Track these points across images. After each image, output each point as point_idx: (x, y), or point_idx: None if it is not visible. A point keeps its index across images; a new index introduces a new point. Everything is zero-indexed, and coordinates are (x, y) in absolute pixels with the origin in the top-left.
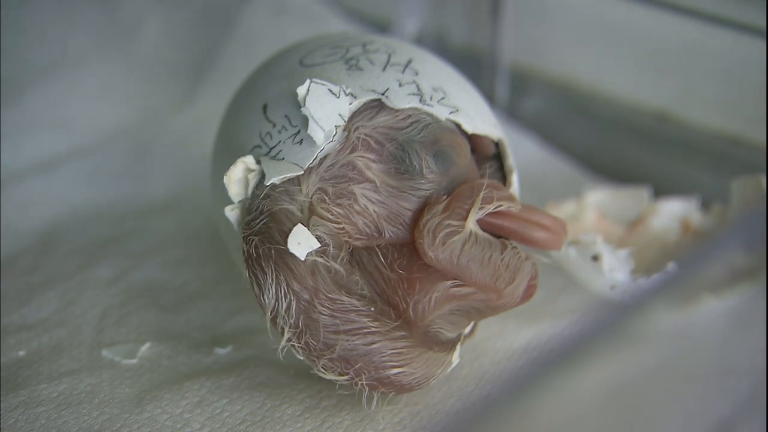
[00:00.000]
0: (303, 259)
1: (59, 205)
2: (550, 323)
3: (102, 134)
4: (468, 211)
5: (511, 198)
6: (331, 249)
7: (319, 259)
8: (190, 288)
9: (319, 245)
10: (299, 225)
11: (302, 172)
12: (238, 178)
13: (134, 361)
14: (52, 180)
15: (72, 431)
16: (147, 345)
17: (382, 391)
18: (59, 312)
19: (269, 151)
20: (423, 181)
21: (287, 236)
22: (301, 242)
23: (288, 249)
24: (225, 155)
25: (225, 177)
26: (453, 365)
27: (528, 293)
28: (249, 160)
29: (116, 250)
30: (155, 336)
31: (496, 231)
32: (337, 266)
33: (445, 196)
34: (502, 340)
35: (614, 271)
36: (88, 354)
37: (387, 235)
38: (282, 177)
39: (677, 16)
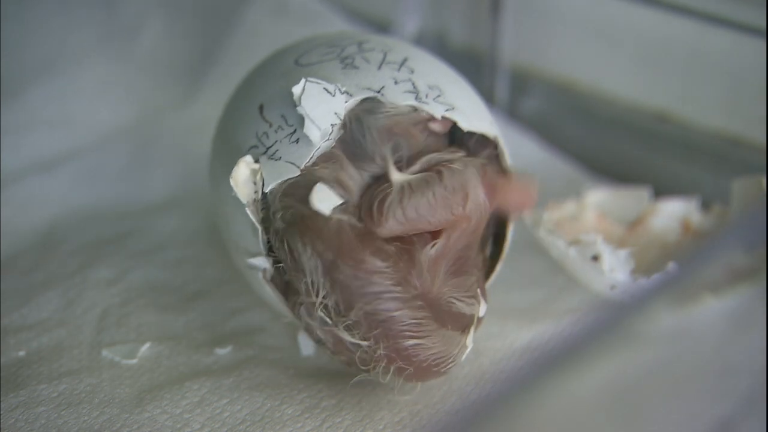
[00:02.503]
0: (328, 214)
1: (59, 204)
2: (551, 323)
3: (102, 133)
4: (388, 167)
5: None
6: (352, 207)
7: (344, 218)
8: (190, 288)
9: (342, 201)
10: (319, 183)
11: (299, 173)
12: (244, 178)
13: (134, 361)
14: (52, 179)
15: (72, 431)
16: (147, 345)
17: (399, 365)
18: (59, 312)
19: (266, 151)
20: (374, 166)
21: (308, 202)
22: (323, 199)
23: (313, 207)
24: (223, 155)
25: (231, 179)
26: (468, 349)
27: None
28: (248, 160)
29: (116, 250)
30: (155, 336)
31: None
32: (360, 224)
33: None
34: (502, 339)
35: (614, 271)
36: (88, 354)
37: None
38: (279, 181)
39: (677, 16)
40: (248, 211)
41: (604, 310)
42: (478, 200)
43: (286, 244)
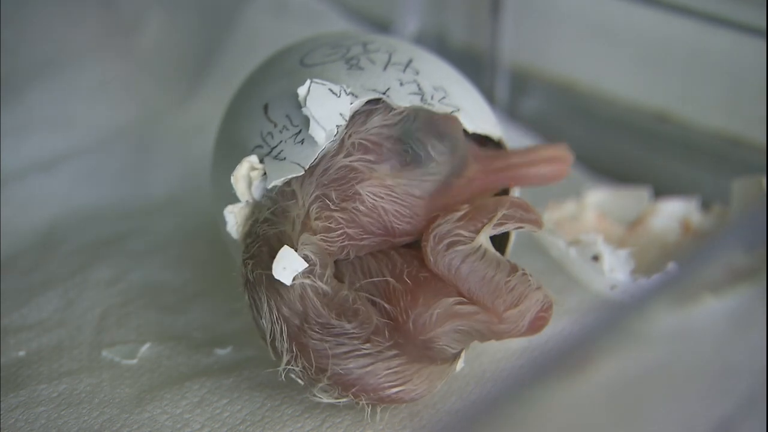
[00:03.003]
0: (289, 284)
1: (59, 204)
2: (551, 323)
3: (102, 133)
4: (484, 225)
5: (536, 222)
6: (318, 269)
7: (307, 281)
8: (190, 288)
9: (306, 266)
10: (285, 248)
11: (303, 172)
12: (244, 177)
13: (134, 361)
14: (52, 179)
15: (72, 431)
16: (147, 345)
17: (385, 406)
18: (59, 312)
19: (270, 151)
20: (433, 164)
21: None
22: (287, 266)
23: (274, 275)
24: (226, 155)
25: (232, 177)
26: (457, 370)
27: (536, 325)
28: (253, 160)
29: (116, 250)
30: (155, 336)
31: (507, 184)
32: (324, 287)
33: (466, 205)
34: None
35: (614, 271)
36: (88, 354)
37: (396, 232)
38: (283, 179)
39: (677, 16)
40: (226, 213)
41: (604, 310)
42: (520, 317)
43: (251, 301)
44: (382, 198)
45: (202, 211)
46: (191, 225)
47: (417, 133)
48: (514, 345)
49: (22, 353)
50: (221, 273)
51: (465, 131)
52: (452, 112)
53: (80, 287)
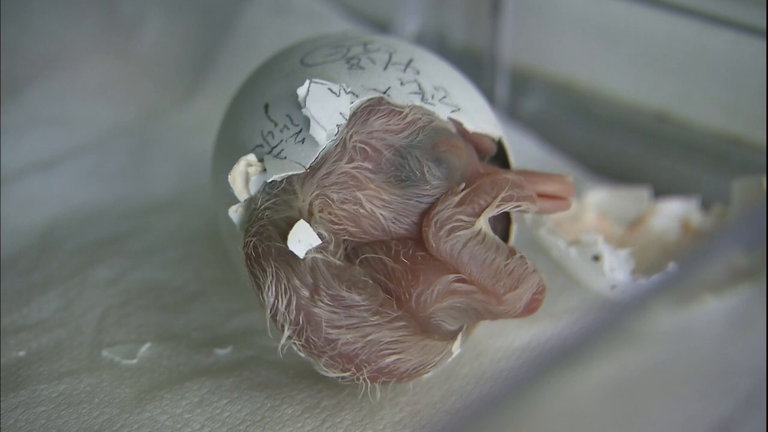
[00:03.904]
0: (302, 257)
1: (59, 204)
2: (551, 323)
3: (102, 132)
4: (483, 209)
5: (532, 198)
6: (332, 246)
7: (319, 256)
8: (190, 288)
9: (320, 242)
10: (301, 221)
11: (303, 171)
12: (242, 176)
13: (134, 361)
14: (52, 179)
15: (72, 431)
16: (147, 345)
17: (383, 381)
18: (59, 312)
19: (271, 150)
20: (427, 187)
21: (287, 236)
22: (302, 239)
23: (287, 247)
24: (226, 154)
25: (229, 176)
26: (454, 355)
27: (531, 307)
28: (252, 159)
29: (116, 250)
30: (155, 336)
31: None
32: (336, 261)
33: (464, 186)
34: (502, 339)
35: (614, 271)
36: (88, 354)
37: (394, 234)
38: (283, 174)
39: (677, 16)
40: (231, 213)
41: (604, 310)
42: (518, 300)
43: (253, 276)
44: (380, 207)
45: (202, 211)
46: (191, 225)
47: (416, 151)
48: (515, 345)
49: (22, 353)
50: (221, 273)
51: (466, 132)
52: (452, 111)
53: (80, 287)
